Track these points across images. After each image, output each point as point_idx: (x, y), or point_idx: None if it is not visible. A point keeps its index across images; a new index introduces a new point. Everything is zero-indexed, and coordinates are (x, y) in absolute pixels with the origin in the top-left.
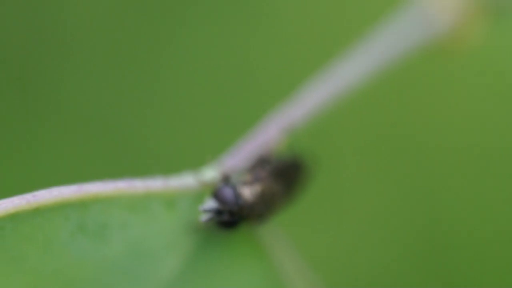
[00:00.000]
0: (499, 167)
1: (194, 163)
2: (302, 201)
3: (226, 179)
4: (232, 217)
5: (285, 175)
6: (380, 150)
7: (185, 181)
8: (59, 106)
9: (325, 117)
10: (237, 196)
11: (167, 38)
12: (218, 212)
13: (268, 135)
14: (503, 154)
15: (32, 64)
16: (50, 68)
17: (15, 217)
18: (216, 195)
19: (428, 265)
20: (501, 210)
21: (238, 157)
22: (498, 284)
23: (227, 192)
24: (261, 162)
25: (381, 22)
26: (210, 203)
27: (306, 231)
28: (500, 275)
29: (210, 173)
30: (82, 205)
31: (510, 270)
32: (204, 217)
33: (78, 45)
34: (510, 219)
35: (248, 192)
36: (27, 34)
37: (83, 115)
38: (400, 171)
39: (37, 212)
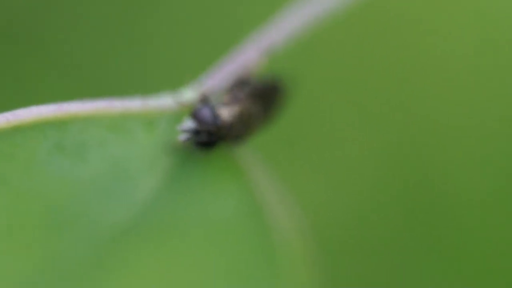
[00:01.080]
0: (490, 114)
1: (173, 84)
2: (281, 126)
3: (204, 100)
4: (210, 137)
5: (264, 97)
6: (363, 82)
7: (164, 101)
8: (41, 32)
9: (307, 39)
10: (215, 116)
11: None
12: (196, 132)
13: (248, 56)
14: (494, 98)
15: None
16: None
17: None
18: (195, 115)
19: (412, 212)
20: (492, 160)
21: (217, 78)
22: (484, 236)
23: (205, 112)
24: (240, 84)
25: None
26: (189, 123)
27: (285, 157)
28: (486, 228)
29: (189, 94)
30: (61, 124)
31: (496, 223)
32: (182, 137)
33: None
34: (500, 171)
35: (226, 113)
36: None
37: (64, 38)
38: (385, 100)
39: (16, 131)
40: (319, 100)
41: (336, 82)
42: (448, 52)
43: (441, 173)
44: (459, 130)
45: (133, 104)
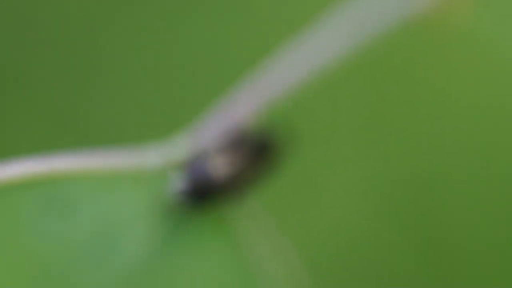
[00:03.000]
0: (487, 147)
1: (165, 136)
2: (278, 178)
3: (196, 156)
4: (202, 196)
5: (259, 151)
6: (362, 125)
7: (154, 157)
8: (24, 83)
9: (303, 91)
10: (208, 173)
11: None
12: (187, 191)
13: (242, 106)
14: (491, 135)
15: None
16: (15, 47)
17: None
18: (186, 172)
19: (413, 244)
20: (492, 194)
21: (210, 130)
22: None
23: (198, 170)
24: (234, 137)
25: None
26: (180, 181)
27: (285, 209)
28: (487, 258)
29: (181, 149)
30: (48, 182)
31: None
32: (173, 195)
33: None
34: (501, 199)
35: (220, 169)
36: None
37: (47, 90)
38: (384, 146)
39: (2, 189)
40: (319, 148)
41: (336, 129)
42: (451, 95)
43: (444, 212)
44: (461, 171)
45: (122, 160)
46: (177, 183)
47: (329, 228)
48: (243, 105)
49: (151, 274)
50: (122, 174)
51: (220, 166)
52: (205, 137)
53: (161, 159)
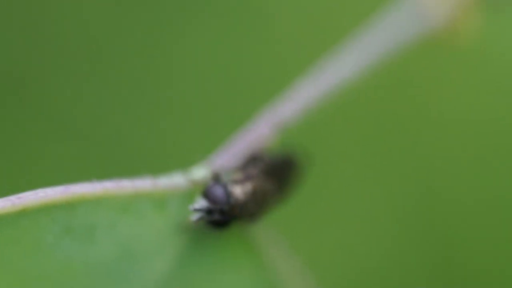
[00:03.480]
0: (497, 164)
1: (184, 162)
2: (295, 199)
3: (216, 178)
4: (223, 216)
5: (277, 172)
6: (375, 147)
7: (175, 180)
8: (45, 104)
9: (318, 113)
10: (228, 195)
11: (158, 37)
12: (208, 212)
13: (260, 132)
14: (501, 150)
15: (19, 60)
16: (37, 65)
17: None
18: (207, 194)
19: (425, 263)
20: (502, 209)
21: (229, 155)
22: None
23: (218, 191)
24: (253, 160)
25: (374, 16)
26: (201, 203)
27: (300, 230)
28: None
29: (200, 172)
30: (69, 206)
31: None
32: (194, 216)
33: (66, 41)
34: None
35: (239, 191)
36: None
37: (70, 113)
38: (396, 167)
39: (23, 214)
40: (334, 172)
41: (350, 154)
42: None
43: (456, 229)
44: (476, 183)
45: (143, 184)
46: (198, 204)
47: (343, 249)
48: (260, 129)
49: None
50: (142, 196)
51: (239, 187)
52: (224, 160)
53: (182, 181)
